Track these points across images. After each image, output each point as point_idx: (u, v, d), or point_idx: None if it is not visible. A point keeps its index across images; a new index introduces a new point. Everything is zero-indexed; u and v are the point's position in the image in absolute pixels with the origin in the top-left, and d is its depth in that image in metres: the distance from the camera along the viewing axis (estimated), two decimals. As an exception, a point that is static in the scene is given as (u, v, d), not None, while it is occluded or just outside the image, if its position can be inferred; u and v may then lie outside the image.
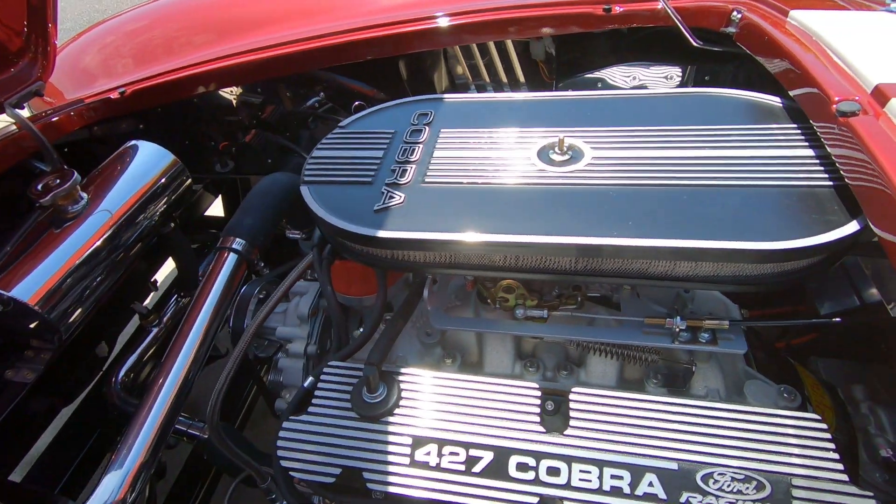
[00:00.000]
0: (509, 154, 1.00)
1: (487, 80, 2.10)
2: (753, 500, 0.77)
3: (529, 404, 0.89)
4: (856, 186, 0.77)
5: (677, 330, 0.92)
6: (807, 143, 0.90)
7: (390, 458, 0.87)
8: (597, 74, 1.68)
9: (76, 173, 1.28)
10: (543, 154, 0.99)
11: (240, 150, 1.88)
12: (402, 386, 0.93)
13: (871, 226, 0.72)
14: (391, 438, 0.88)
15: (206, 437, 1.42)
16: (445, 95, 1.21)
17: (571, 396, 0.89)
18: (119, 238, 1.33)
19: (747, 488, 0.78)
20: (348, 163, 1.04)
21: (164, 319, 1.76)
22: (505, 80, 2.09)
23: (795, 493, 0.77)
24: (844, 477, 0.77)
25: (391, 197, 0.95)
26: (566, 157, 0.97)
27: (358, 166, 1.03)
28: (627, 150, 0.96)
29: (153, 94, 1.70)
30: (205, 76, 1.68)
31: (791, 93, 0.98)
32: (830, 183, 0.83)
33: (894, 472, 1.12)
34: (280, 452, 0.90)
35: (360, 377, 0.97)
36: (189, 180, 1.55)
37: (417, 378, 0.94)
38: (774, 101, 1.02)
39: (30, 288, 1.11)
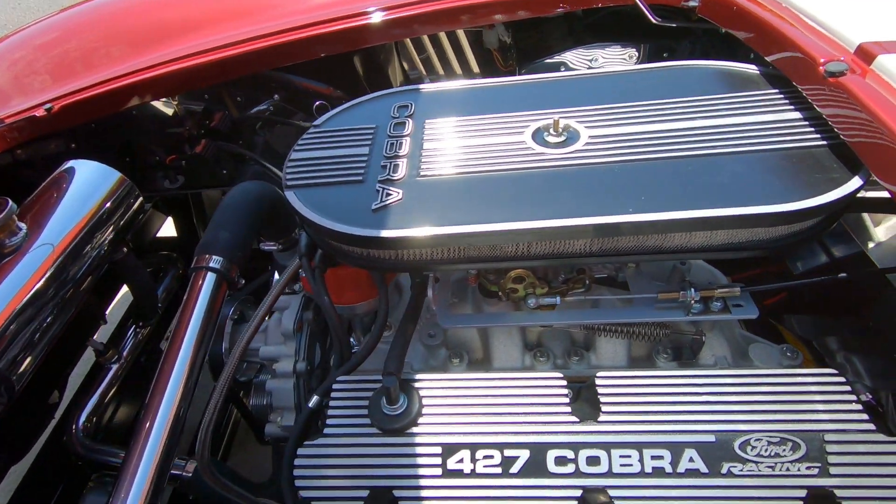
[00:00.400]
0: (502, 140, 0.97)
1: (441, 72, 2.06)
2: (791, 461, 0.78)
3: (557, 395, 0.86)
4: (855, 143, 0.79)
5: (692, 301, 0.92)
6: (794, 107, 0.92)
7: (421, 471, 0.81)
8: (557, 59, 1.68)
9: (10, 201, 1.13)
10: (538, 137, 0.96)
11: (190, 162, 1.75)
12: (422, 393, 0.88)
13: (879, 180, 0.74)
14: (419, 450, 0.83)
15: (190, 475, 1.30)
16: (421, 86, 1.16)
17: (598, 381, 0.87)
18: (67, 272, 1.18)
19: (784, 450, 0.79)
20: (333, 162, 0.97)
21: (124, 354, 1.62)
22: (459, 71, 2.06)
23: (829, 448, 0.78)
24: (871, 426, 0.79)
25: (388, 194, 0.89)
26: (562, 138, 0.94)
27: (344, 165, 0.96)
28: (622, 126, 0.95)
29: (85, 109, 1.55)
30: (143, 85, 1.54)
31: (769, 59, 0.99)
32: (825, 142, 0.85)
33: (877, 414, 1.18)
34: (299, 482, 0.82)
35: (371, 390, 0.91)
36: (140, 199, 1.41)
37: (436, 383, 0.89)
38: (752, 69, 1.04)
39: (-30, 337, 0.97)
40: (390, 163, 0.95)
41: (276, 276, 1.52)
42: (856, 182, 0.78)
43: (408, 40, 1.94)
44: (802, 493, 0.76)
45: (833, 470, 0.77)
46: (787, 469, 0.78)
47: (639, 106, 0.98)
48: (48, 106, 1.53)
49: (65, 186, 1.33)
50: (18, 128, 1.48)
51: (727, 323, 1.08)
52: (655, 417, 0.82)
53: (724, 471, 0.78)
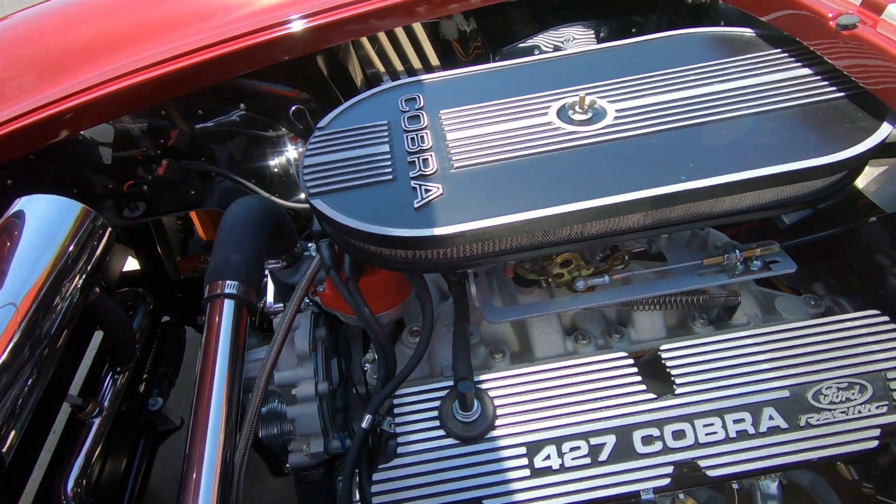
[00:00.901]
0: (527, 123, 0.94)
1: (400, 67, 2.00)
2: (861, 404, 0.80)
3: (628, 374, 0.84)
4: (880, 90, 0.82)
5: (736, 263, 0.92)
6: (803, 63, 0.95)
7: (509, 475, 0.77)
8: (530, 42, 1.67)
9: None
10: (564, 115, 0.93)
11: (153, 186, 1.59)
12: (490, 394, 0.83)
13: (911, 122, 0.77)
14: (503, 454, 0.78)
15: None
16: (423, 77, 1.10)
17: (663, 354, 0.86)
18: (37, 331, 1.03)
19: (853, 394, 0.81)
20: (355, 163, 0.90)
21: (105, 405, 1.46)
22: (419, 65, 2.01)
23: (892, 385, 0.81)
24: (924, 358, 0.83)
25: (427, 190, 0.83)
26: (589, 115, 0.92)
27: (368, 165, 0.90)
28: (645, 97, 0.94)
29: (19, 140, 1.37)
30: (82, 109, 1.37)
31: (767, 19, 1.02)
32: (843, 94, 0.88)
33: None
34: (380, 510, 0.75)
35: (432, 400, 0.85)
36: (108, 231, 1.27)
37: (501, 381, 0.85)
38: (748, 31, 1.06)
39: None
40: (418, 158, 0.89)
41: (269, 294, 1.41)
42: (887, 128, 0.81)
43: (364, 38, 1.87)
44: (876, 431, 0.79)
45: (900, 405, 0.80)
46: (859, 412, 0.80)
47: (655, 76, 0.98)
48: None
49: (17, 231, 1.17)
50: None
51: (746, 282, 1.11)
52: (728, 381, 0.82)
53: (802, 423, 0.80)
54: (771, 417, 0.80)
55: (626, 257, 0.99)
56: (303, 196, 1.92)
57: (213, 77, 1.41)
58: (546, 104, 0.97)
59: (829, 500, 0.97)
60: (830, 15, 0.88)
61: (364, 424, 0.88)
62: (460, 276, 0.98)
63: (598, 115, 0.93)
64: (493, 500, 0.76)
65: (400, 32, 1.93)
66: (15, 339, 0.99)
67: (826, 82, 0.91)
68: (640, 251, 1.01)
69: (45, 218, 1.22)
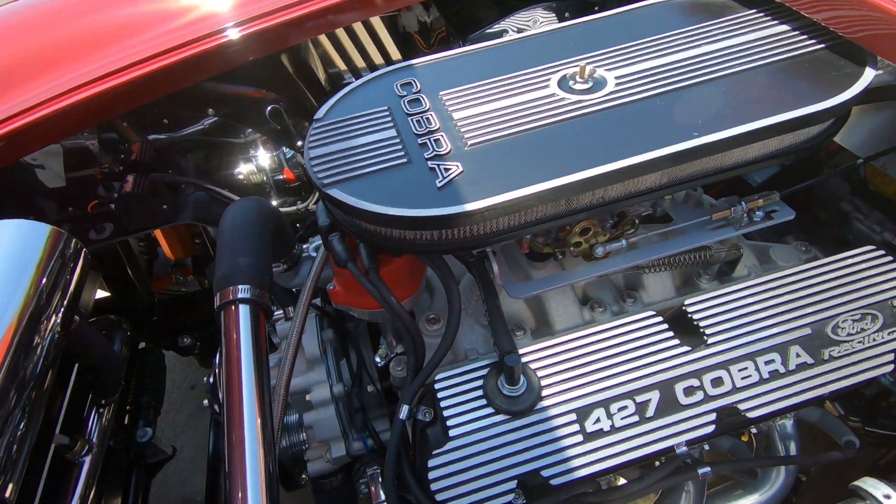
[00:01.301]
0: (531, 96, 0.94)
1: (361, 63, 1.97)
2: (875, 332, 0.85)
3: (661, 331, 0.86)
4: (861, 38, 0.87)
5: (743, 215, 0.96)
6: (781, 20, 1.00)
7: (563, 442, 0.77)
8: (497, 27, 1.67)
9: None
10: (565, 86, 0.94)
11: (123, 204, 1.50)
12: (532, 366, 0.83)
13: (893, 63, 0.82)
14: (554, 423, 0.78)
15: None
16: (414, 61, 1.08)
17: (689, 309, 0.89)
18: (22, 371, 0.95)
19: (866, 324, 0.86)
20: (363, 150, 0.88)
21: (94, 442, 1.35)
22: (380, 59, 1.98)
23: (899, 311, 0.87)
24: (924, 283, 0.89)
25: (446, 169, 0.82)
26: (590, 84, 0.94)
27: (378, 151, 0.87)
28: (640, 63, 0.97)
29: None
30: (33, 128, 1.26)
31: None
32: (824, 45, 0.93)
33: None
34: (440, 496, 0.74)
35: (470, 381, 0.84)
36: (83, 252, 1.18)
37: (538, 353, 0.85)
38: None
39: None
40: (429, 139, 0.88)
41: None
42: (870, 72, 0.86)
43: (323, 36, 1.83)
44: (891, 356, 0.84)
45: (909, 329, 0.86)
46: (874, 339, 0.85)
47: (644, 42, 1.01)
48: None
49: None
50: None
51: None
52: (754, 326, 0.86)
53: (825, 357, 0.84)
54: (798, 355, 0.84)
55: (636, 221, 1.01)
56: (278, 201, 1.86)
57: (173, 84, 1.34)
58: (545, 77, 0.97)
59: (839, 431, 1.03)
60: (804, -28, 0.93)
61: (402, 415, 0.85)
62: (479, 256, 0.98)
63: (599, 83, 0.94)
64: (550, 469, 0.76)
65: (359, 27, 1.90)
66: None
67: (805, 35, 0.96)
68: (647, 214, 1.04)
69: (11, 245, 1.12)
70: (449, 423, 0.79)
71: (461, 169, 0.82)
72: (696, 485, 0.93)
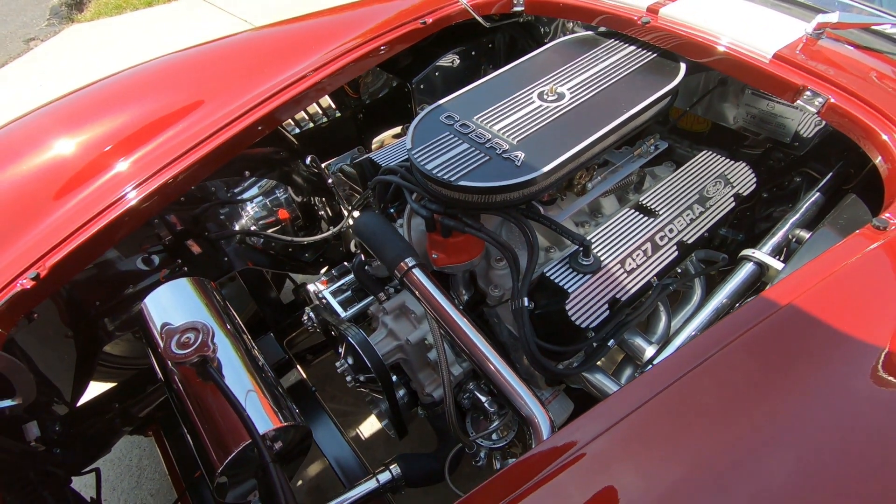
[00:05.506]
0: (528, 108, 1.61)
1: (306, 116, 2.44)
2: (723, 188, 1.70)
3: (637, 215, 1.60)
4: (673, 47, 1.71)
5: (648, 148, 1.76)
6: (629, 44, 1.82)
7: (623, 277, 1.46)
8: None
9: None
10: (543, 98, 1.64)
11: (196, 265, 1.81)
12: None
13: (697, 62, 1.68)
14: (617, 269, 1.46)
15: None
16: (441, 101, 1.67)
17: (644, 202, 1.64)
18: None
19: (717, 188, 1.70)
20: (458, 159, 1.46)
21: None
22: (319, 110, 2.49)
23: (728, 176, 1.73)
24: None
25: (516, 156, 1.45)
26: (556, 96, 1.64)
27: (466, 157, 1.46)
28: (575, 79, 1.70)
29: (75, 263, 1.54)
30: (129, 215, 1.59)
31: (595, 22, 1.88)
32: (655, 55, 1.77)
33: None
34: (578, 322, 1.37)
35: (560, 266, 1.49)
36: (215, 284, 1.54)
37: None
38: (590, 32, 1.91)
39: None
40: (492, 143, 1.50)
41: (336, 306, 1.80)
42: (684, 67, 1.71)
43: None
44: (732, 198, 1.69)
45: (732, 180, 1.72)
46: (723, 193, 1.69)
47: (570, 66, 1.75)
48: (33, 273, 1.45)
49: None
50: (6, 309, 1.34)
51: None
52: (676, 200, 1.64)
53: (708, 205, 1.66)
54: (698, 206, 1.64)
55: (596, 166, 1.75)
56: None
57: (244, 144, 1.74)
58: (529, 96, 1.65)
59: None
60: (636, 17, 1.76)
61: (525, 304, 1.45)
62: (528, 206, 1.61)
63: (561, 95, 1.65)
64: (621, 294, 1.43)
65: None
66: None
67: (643, 51, 1.79)
68: (601, 163, 1.79)
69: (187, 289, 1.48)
70: (564, 286, 1.42)
71: (524, 154, 1.46)
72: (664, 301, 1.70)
